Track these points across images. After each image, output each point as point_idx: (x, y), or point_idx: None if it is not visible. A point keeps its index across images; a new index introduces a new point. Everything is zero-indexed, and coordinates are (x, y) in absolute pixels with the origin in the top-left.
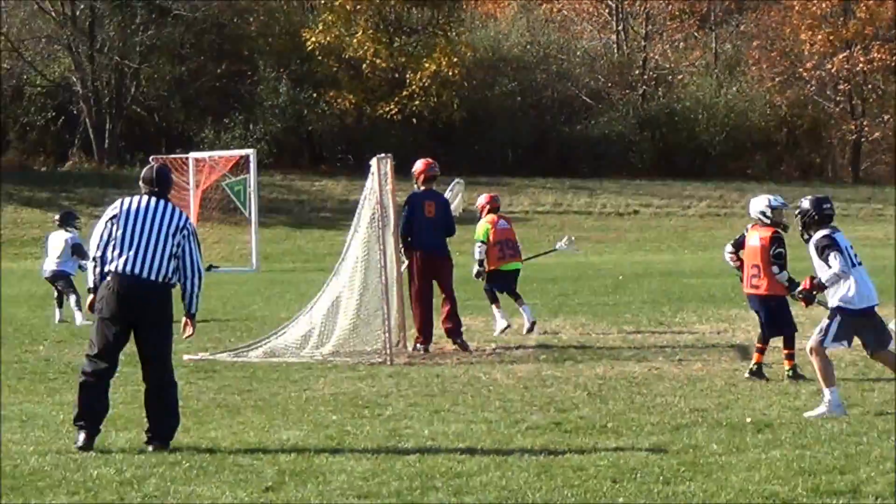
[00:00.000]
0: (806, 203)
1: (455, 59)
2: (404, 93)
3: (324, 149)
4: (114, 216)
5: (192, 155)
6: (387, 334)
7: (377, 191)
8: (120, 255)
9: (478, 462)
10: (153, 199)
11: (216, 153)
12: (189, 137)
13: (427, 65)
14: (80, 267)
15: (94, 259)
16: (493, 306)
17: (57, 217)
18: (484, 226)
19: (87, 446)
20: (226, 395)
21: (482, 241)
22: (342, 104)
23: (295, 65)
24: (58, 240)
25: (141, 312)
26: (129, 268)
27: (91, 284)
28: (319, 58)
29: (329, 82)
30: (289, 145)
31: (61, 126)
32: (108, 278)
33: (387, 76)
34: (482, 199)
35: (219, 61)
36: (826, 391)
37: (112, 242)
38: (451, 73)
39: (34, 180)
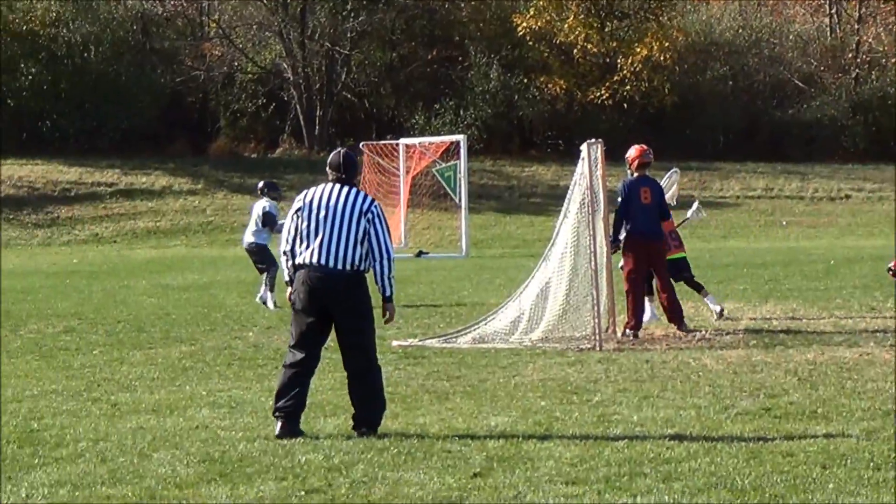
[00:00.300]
0: None
1: (667, 44)
2: (615, 78)
3: (534, 134)
4: (298, 209)
5: (403, 141)
6: (596, 320)
7: (587, 176)
8: (307, 247)
9: (686, 448)
10: (335, 187)
11: (426, 139)
12: (399, 123)
13: (638, 49)
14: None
15: (284, 253)
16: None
17: (259, 185)
18: None
19: (284, 435)
20: (434, 381)
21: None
22: (553, 89)
23: (506, 50)
24: (256, 209)
25: (333, 302)
26: (315, 259)
27: (287, 278)
28: (530, 43)
29: (540, 67)
30: (499, 131)
31: (272, 113)
32: (300, 271)
33: (598, 61)
34: None
35: (430, 47)
36: None
37: (299, 235)
38: (662, 58)
39: (244, 167)
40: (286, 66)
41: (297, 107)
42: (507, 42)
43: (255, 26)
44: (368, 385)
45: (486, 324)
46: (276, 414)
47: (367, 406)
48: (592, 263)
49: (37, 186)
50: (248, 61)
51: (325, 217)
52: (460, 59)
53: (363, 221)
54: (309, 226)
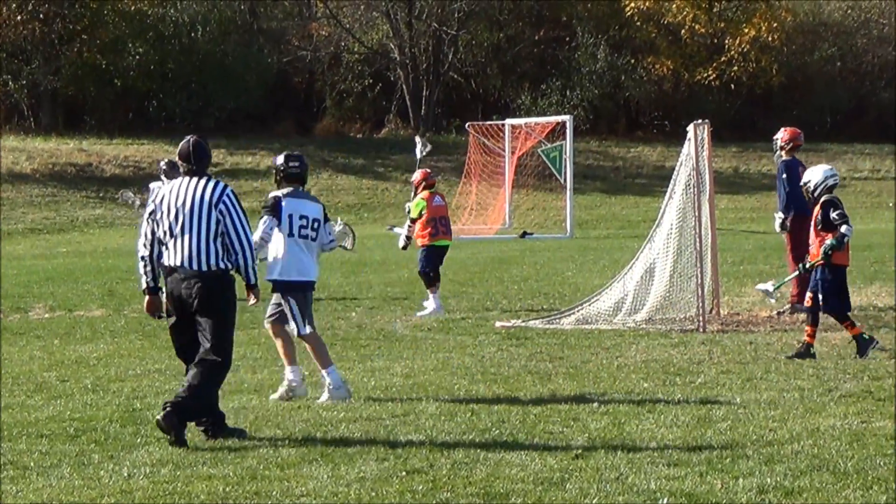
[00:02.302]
0: None
1: (775, 24)
2: (722, 58)
3: (640, 115)
4: (152, 212)
5: (509, 121)
6: (700, 301)
7: (693, 157)
8: (165, 250)
9: (789, 430)
10: (184, 182)
11: (532, 119)
12: (505, 104)
13: (746, 30)
14: None
15: (142, 259)
16: (430, 290)
17: (161, 164)
18: (419, 202)
19: (173, 435)
20: (537, 363)
21: (413, 219)
22: (660, 70)
23: (613, 30)
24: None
25: (194, 304)
26: (173, 262)
27: (143, 286)
28: (638, 23)
29: (647, 48)
30: (605, 111)
31: (378, 93)
32: (167, 278)
33: (705, 41)
34: (417, 175)
35: (537, 27)
36: None
37: (157, 240)
38: (770, 39)
39: (350, 147)
40: (393, 47)
41: (404, 87)
42: (615, 22)
43: (362, 6)
44: (198, 375)
45: (589, 305)
46: (199, 427)
47: (185, 394)
48: (697, 245)
49: (142, 166)
50: (355, 41)
51: (177, 216)
52: (567, 39)
53: (214, 214)
54: (163, 228)
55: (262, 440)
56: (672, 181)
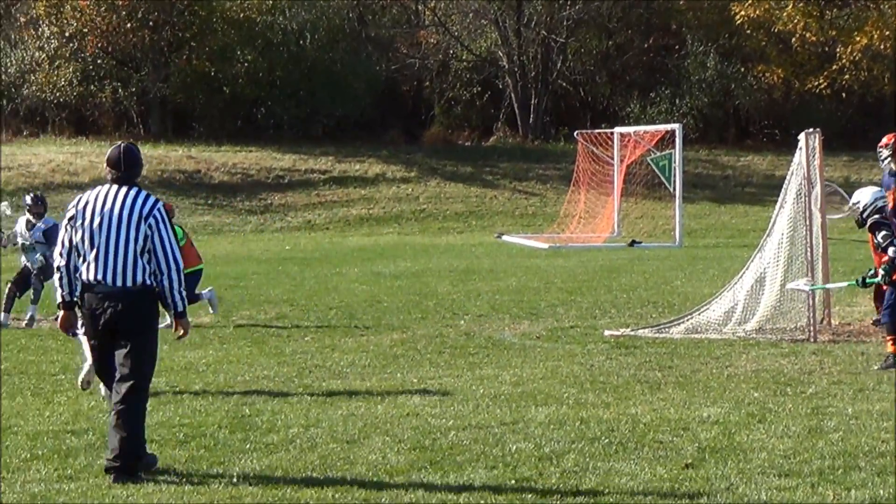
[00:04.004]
0: None
1: (887, 33)
2: (834, 67)
3: (750, 123)
4: (72, 217)
5: (618, 130)
6: (811, 311)
7: (805, 166)
8: (83, 262)
9: None
10: (112, 189)
11: (641, 128)
12: (614, 112)
13: (858, 38)
14: None
15: (57, 269)
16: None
17: None
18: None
19: (140, 476)
20: (646, 371)
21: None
22: (770, 78)
23: (723, 38)
24: None
25: (116, 322)
26: (92, 275)
27: (59, 299)
28: (748, 31)
29: (757, 56)
30: (714, 120)
31: (486, 101)
32: (84, 294)
33: (816, 50)
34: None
35: (646, 35)
36: None
37: (75, 249)
38: (882, 47)
39: (458, 155)
40: (502, 54)
41: (512, 95)
42: (725, 30)
43: (470, 14)
44: (125, 413)
45: (699, 314)
46: (107, 467)
47: (119, 439)
48: (808, 254)
49: (250, 173)
50: (463, 49)
51: (101, 225)
52: (677, 47)
53: (143, 227)
54: (83, 237)
55: (372, 447)
56: (783, 190)
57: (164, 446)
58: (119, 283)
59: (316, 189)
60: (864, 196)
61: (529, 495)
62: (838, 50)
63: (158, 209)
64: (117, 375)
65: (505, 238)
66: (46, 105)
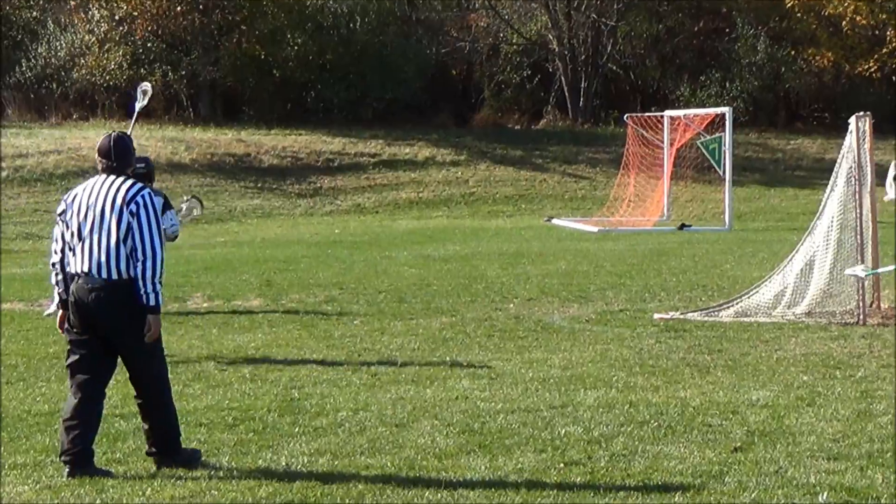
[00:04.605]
0: None
1: None
2: (884, 50)
3: (800, 107)
4: (62, 212)
5: (668, 113)
6: (860, 294)
7: (855, 149)
8: (73, 255)
9: None
10: (100, 179)
11: (691, 111)
12: (664, 95)
13: None
14: None
15: (52, 266)
16: None
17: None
18: None
19: (74, 475)
20: (696, 355)
21: None
22: (820, 62)
23: (773, 22)
24: None
25: (103, 319)
26: (79, 268)
27: (57, 298)
28: (798, 14)
29: (807, 39)
30: (764, 103)
31: (536, 84)
32: (71, 285)
33: (867, 33)
34: None
35: (696, 18)
36: None
37: (66, 243)
38: None
39: (508, 138)
40: (552, 38)
41: (562, 78)
42: (775, 13)
43: None
44: (151, 411)
45: (748, 297)
46: (62, 458)
47: (159, 430)
48: (858, 238)
49: (300, 156)
50: (513, 32)
51: (86, 216)
52: (727, 30)
53: (125, 215)
54: (72, 230)
55: (421, 430)
56: (833, 174)
57: (213, 430)
58: (104, 274)
59: (365, 172)
60: None
61: (578, 478)
62: (888, 33)
63: (143, 195)
64: (134, 384)
65: (554, 221)
66: (96, 89)
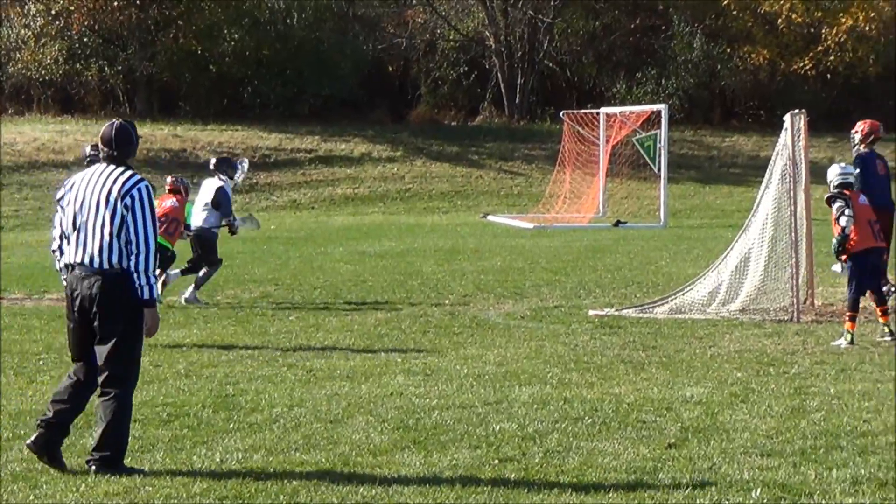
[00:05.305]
0: None
1: (872, 14)
2: (819, 48)
3: (735, 104)
4: (61, 198)
5: (604, 110)
6: (794, 291)
7: (790, 147)
8: (69, 243)
9: (884, 421)
10: (100, 168)
11: (627, 108)
12: (600, 92)
13: (843, 19)
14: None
15: (53, 252)
16: None
17: (212, 161)
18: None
19: (36, 449)
20: (630, 352)
21: None
22: (756, 59)
23: (709, 19)
24: (208, 188)
25: (93, 306)
26: (73, 257)
27: (63, 283)
28: (734, 12)
29: (743, 37)
30: (700, 100)
31: (473, 81)
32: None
33: (802, 31)
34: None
35: (633, 15)
36: None
37: (64, 230)
38: (867, 28)
39: (444, 134)
40: (488, 34)
41: (499, 75)
42: (711, 11)
43: None
44: (111, 407)
45: (683, 294)
46: (38, 421)
47: (113, 434)
48: (792, 235)
49: (236, 152)
50: (450, 29)
51: (82, 205)
52: (663, 28)
53: (119, 207)
54: (67, 218)
55: (355, 426)
56: (768, 171)
57: (147, 426)
58: (96, 264)
59: (301, 168)
60: (832, 173)
61: (513, 475)
62: (824, 31)
63: (139, 188)
64: (98, 376)
65: (490, 218)
66: (32, 83)
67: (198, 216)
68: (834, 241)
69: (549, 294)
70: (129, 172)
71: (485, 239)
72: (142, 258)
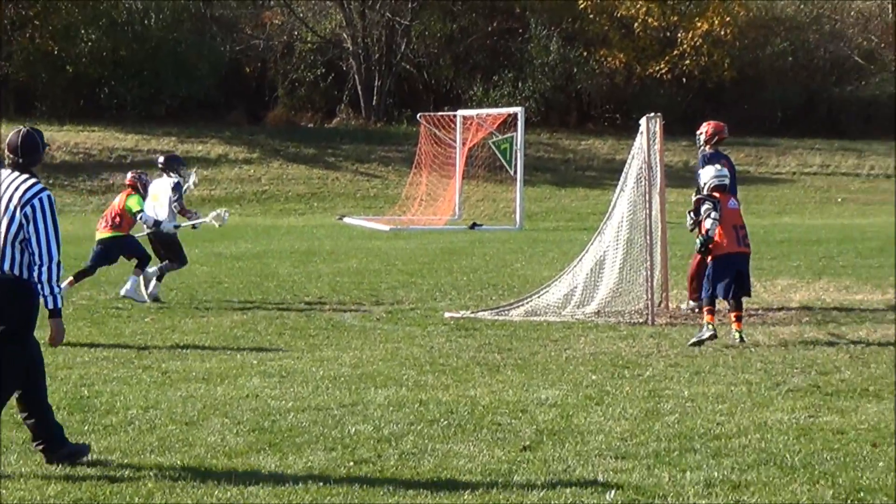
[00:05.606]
0: None
1: (727, 19)
2: (675, 52)
3: (591, 107)
4: None
5: (460, 112)
6: (649, 294)
7: (645, 150)
8: None
9: (737, 424)
10: (3, 175)
11: (484, 111)
12: (457, 95)
13: (699, 24)
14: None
15: None
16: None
17: (160, 159)
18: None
19: (49, 461)
20: (486, 354)
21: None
22: (612, 63)
23: (566, 23)
24: (161, 187)
25: None
26: None
27: None
28: (591, 16)
29: (600, 41)
30: (557, 104)
31: (330, 83)
32: None
33: (658, 35)
34: None
35: (490, 18)
36: None
37: None
38: (722, 33)
39: (301, 136)
40: (346, 36)
41: (356, 77)
42: (568, 14)
43: None
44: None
45: (538, 297)
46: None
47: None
48: (647, 238)
49: (93, 153)
50: (307, 30)
51: None
52: (520, 31)
53: (18, 216)
54: None
55: (211, 429)
56: (623, 174)
57: (2, 428)
58: None
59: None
60: (706, 175)
61: (368, 477)
62: (679, 35)
63: (40, 198)
64: None
65: (346, 220)
66: None
67: (154, 213)
68: (697, 241)
69: (404, 296)
70: (31, 181)
71: (341, 241)
72: (45, 269)
